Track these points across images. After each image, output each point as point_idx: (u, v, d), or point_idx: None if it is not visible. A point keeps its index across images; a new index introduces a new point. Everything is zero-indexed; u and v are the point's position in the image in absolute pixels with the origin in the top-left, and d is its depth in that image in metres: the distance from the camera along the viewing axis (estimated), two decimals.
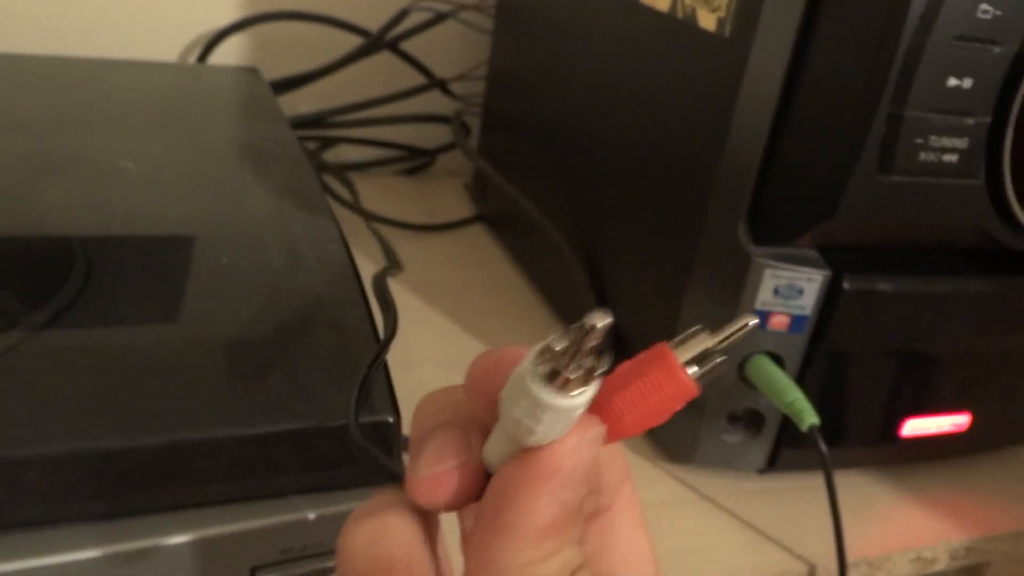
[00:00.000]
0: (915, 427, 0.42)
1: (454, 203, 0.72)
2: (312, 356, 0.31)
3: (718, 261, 0.38)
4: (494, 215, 0.67)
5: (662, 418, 0.18)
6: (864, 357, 0.39)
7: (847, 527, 0.41)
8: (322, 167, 0.68)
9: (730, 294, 0.37)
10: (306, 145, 0.68)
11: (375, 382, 0.31)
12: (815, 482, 0.43)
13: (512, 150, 0.62)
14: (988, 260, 0.39)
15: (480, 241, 0.66)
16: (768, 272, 0.37)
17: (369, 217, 0.64)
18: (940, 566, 0.42)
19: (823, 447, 0.36)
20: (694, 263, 0.39)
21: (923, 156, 0.32)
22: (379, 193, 0.72)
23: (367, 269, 0.58)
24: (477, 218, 0.68)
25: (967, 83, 0.32)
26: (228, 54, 0.68)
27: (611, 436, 0.18)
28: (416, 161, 0.75)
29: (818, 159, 0.34)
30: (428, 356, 0.49)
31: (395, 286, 0.56)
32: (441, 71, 0.70)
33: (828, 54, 0.33)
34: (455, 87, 0.69)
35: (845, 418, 0.41)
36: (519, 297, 0.58)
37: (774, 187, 0.36)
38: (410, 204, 0.71)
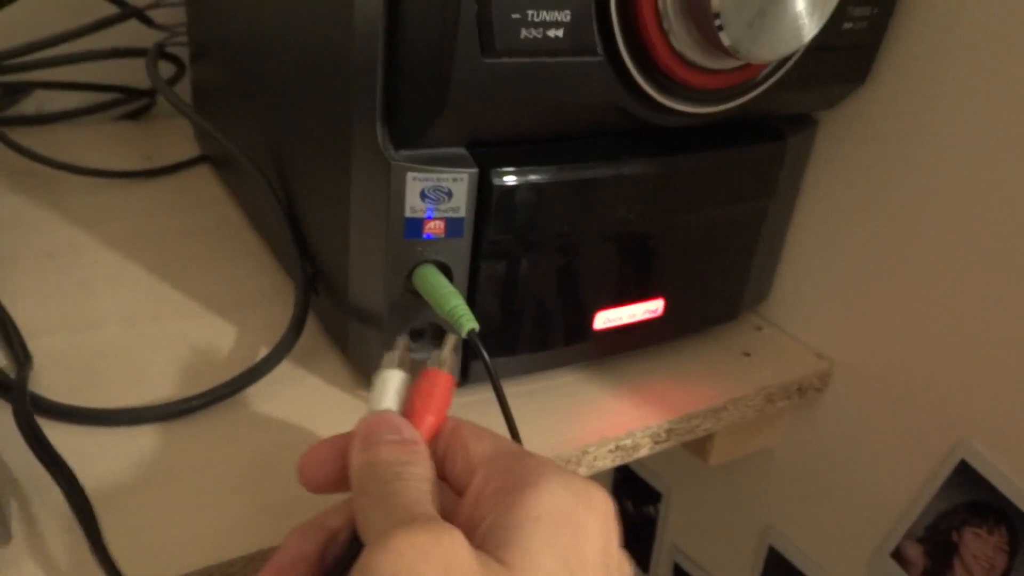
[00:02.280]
0: (608, 318, 0.42)
1: (181, 145, 0.66)
2: None
3: (367, 171, 0.35)
4: (213, 155, 0.62)
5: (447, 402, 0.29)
6: (535, 254, 0.38)
7: (550, 427, 0.41)
8: (6, 120, 0.60)
9: (382, 203, 0.35)
10: None
11: None
12: (520, 388, 0.42)
13: (218, 83, 0.57)
14: (644, 141, 0.39)
15: (203, 184, 0.61)
16: (410, 176, 0.34)
17: (71, 170, 0.58)
18: (644, 451, 0.42)
19: (484, 353, 0.35)
20: (350, 177, 0.36)
21: (525, 33, 0.30)
22: (94, 142, 0.65)
23: (59, 224, 0.52)
24: (199, 159, 0.63)
25: None
26: None
27: (431, 431, 0.29)
28: (135, 104, 0.69)
29: (427, 50, 0.31)
30: (112, 312, 0.45)
31: (91, 239, 0.51)
32: None
33: None
34: (156, 15, 0.63)
35: (531, 319, 0.40)
36: (233, 239, 0.54)
37: (401, 86, 0.33)
38: (128, 151, 0.65)
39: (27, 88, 0.62)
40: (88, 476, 0.33)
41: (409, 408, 0.29)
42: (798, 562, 0.54)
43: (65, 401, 0.36)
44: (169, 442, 0.36)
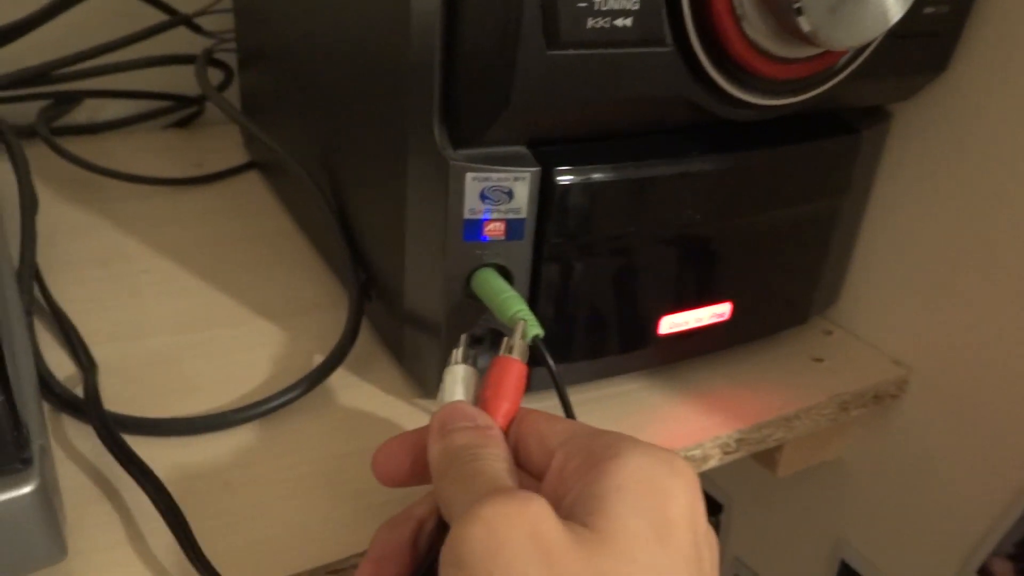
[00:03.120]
0: (674, 323, 0.40)
1: (230, 152, 0.66)
2: None
3: (424, 172, 0.34)
4: (262, 161, 0.61)
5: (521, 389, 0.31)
6: (598, 256, 0.37)
7: None
8: (58, 129, 0.61)
9: (440, 205, 0.34)
10: (36, 104, 0.61)
11: None
12: (582, 396, 0.41)
13: (268, 88, 0.57)
14: (711, 136, 0.37)
15: (252, 190, 0.61)
16: (469, 176, 0.33)
17: (122, 178, 0.58)
18: (714, 462, 0.40)
19: (550, 360, 0.33)
20: (406, 179, 0.35)
21: (592, 23, 0.29)
22: (144, 150, 0.65)
23: (110, 233, 0.52)
24: (247, 165, 0.62)
25: None
26: None
27: (507, 417, 0.29)
28: (184, 111, 0.69)
29: (488, 44, 0.30)
30: (164, 320, 0.44)
31: (142, 247, 0.51)
32: (186, 5, 0.63)
33: None
34: (204, 22, 0.63)
35: (594, 324, 0.39)
36: (284, 245, 0.53)
37: (460, 82, 0.32)
38: (178, 158, 0.64)
39: (78, 97, 0.62)
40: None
41: (481, 397, 0.30)
42: None
43: (116, 410, 0.36)
44: (223, 453, 0.35)
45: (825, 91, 0.36)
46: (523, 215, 0.34)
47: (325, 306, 0.46)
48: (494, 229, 0.34)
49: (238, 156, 0.65)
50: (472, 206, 0.34)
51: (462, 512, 0.22)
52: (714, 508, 0.62)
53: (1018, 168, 0.40)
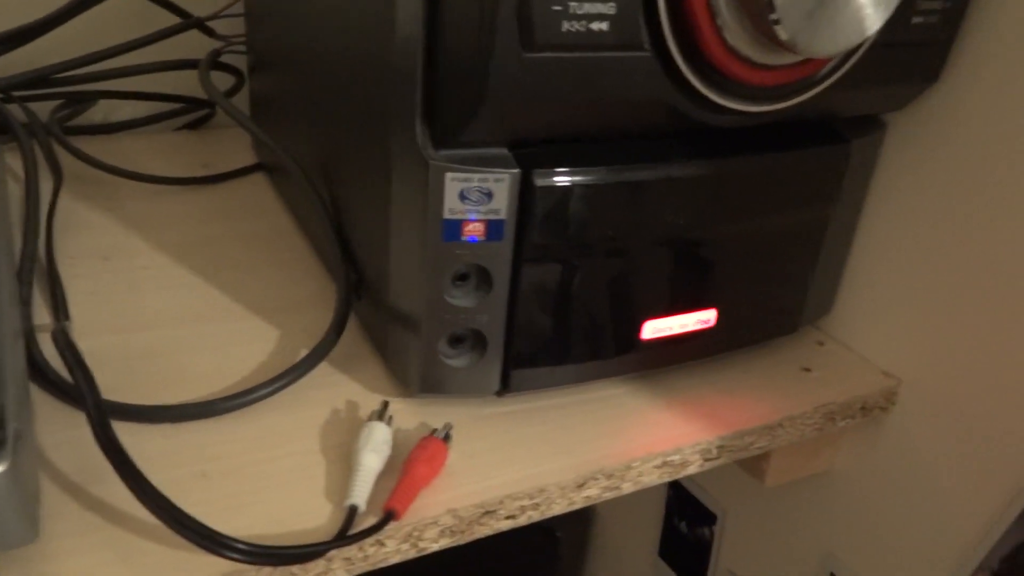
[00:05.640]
0: (657, 328, 0.40)
1: (239, 154, 0.67)
2: None
3: (407, 172, 0.35)
4: (268, 163, 0.62)
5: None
6: (580, 259, 0.37)
7: (594, 439, 0.39)
8: (73, 129, 0.62)
9: (420, 204, 0.34)
10: (50, 104, 0.62)
11: None
12: (566, 399, 0.41)
13: (275, 92, 0.58)
14: (696, 143, 0.37)
15: (257, 191, 0.62)
16: (449, 176, 0.33)
17: (130, 177, 0.59)
18: (693, 468, 0.40)
19: None
20: (391, 178, 0.36)
21: (567, 26, 0.29)
22: (154, 151, 0.66)
23: (115, 229, 0.53)
24: (253, 168, 0.63)
25: None
26: None
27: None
28: (196, 113, 0.70)
29: (466, 45, 0.30)
30: (160, 314, 0.45)
31: (145, 244, 0.52)
32: (199, 8, 0.64)
33: None
34: (217, 26, 0.64)
35: (576, 328, 0.39)
36: (283, 245, 0.54)
37: (440, 83, 0.32)
38: (187, 159, 0.66)
39: (92, 98, 0.64)
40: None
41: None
42: None
43: (105, 398, 0.37)
44: (205, 443, 0.36)
45: (808, 99, 0.36)
46: (503, 216, 0.35)
47: (318, 305, 0.47)
48: (474, 230, 0.35)
49: (247, 159, 0.66)
50: (451, 206, 0.34)
51: None
52: (709, 519, 0.62)
53: (1011, 181, 0.40)
